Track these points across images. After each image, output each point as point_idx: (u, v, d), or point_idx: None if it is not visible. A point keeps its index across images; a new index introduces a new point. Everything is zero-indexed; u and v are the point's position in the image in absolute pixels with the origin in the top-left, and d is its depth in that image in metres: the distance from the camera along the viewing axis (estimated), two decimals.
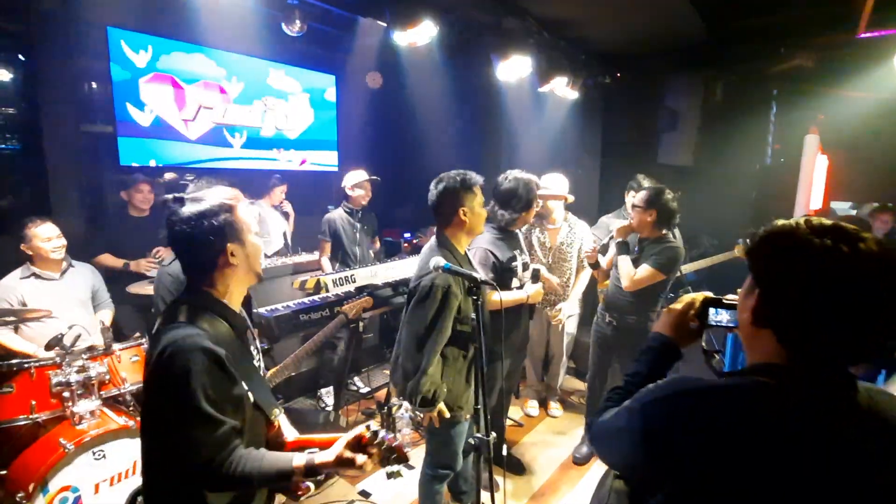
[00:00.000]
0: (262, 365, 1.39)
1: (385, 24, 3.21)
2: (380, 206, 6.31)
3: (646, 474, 0.89)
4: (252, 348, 1.36)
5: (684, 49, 4.42)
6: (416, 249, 5.06)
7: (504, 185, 2.53)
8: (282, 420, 1.46)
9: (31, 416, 2.29)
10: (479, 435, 1.74)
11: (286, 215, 4.77)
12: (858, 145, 4.33)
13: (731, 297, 1.07)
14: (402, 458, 1.22)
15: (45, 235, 2.67)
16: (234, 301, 1.29)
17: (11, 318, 2.47)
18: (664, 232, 2.80)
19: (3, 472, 2.19)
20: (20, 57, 3.88)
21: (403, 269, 3.76)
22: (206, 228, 1.19)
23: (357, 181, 3.83)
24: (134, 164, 4.22)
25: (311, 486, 1.36)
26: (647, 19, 3.85)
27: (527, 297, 2.54)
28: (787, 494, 0.75)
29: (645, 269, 2.73)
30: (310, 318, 3.01)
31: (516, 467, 3.12)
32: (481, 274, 1.80)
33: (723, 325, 1.07)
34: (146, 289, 3.01)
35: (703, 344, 1.15)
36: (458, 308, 2.01)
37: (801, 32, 3.96)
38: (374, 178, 3.94)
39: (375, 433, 1.22)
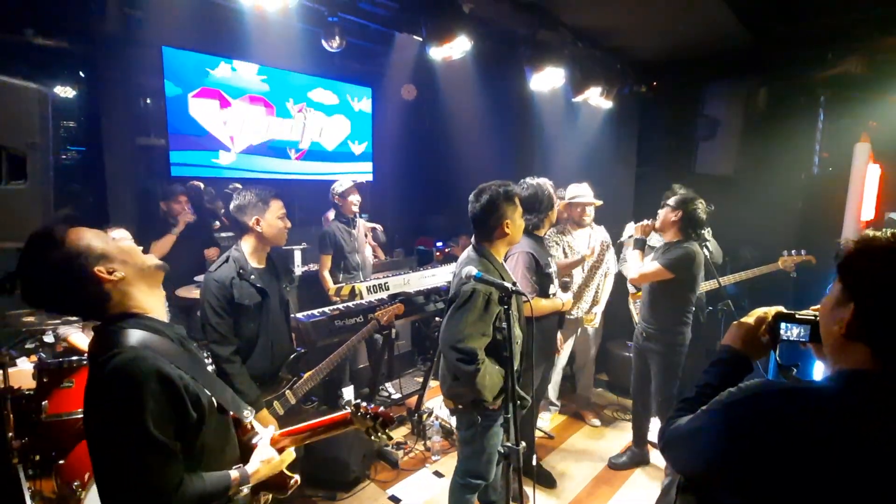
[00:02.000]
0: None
1: (420, 39, 3.30)
2: (414, 215, 6.45)
3: (726, 475, 0.88)
4: (201, 353, 1.33)
5: (725, 56, 4.32)
6: (448, 258, 5.11)
7: (525, 193, 2.66)
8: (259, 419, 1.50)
9: None
10: (508, 443, 1.75)
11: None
12: None
13: (803, 313, 1.05)
14: (388, 422, 1.31)
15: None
16: (155, 311, 1.22)
17: (67, 318, 2.64)
18: (690, 235, 2.83)
19: (62, 461, 2.34)
20: (82, 77, 4.21)
21: (436, 277, 3.81)
22: (67, 277, 1.10)
23: (344, 188, 3.83)
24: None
25: (298, 477, 1.43)
26: (685, 27, 3.79)
27: (562, 304, 2.61)
28: (874, 498, 0.74)
29: (651, 265, 2.82)
30: (344, 324, 3.09)
31: (547, 480, 3.09)
32: (510, 283, 1.81)
33: (794, 339, 1.05)
34: (192, 292, 3.17)
35: (778, 358, 1.14)
36: (499, 316, 2.02)
37: (849, 37, 3.81)
38: (361, 181, 3.95)
39: (357, 406, 1.31)
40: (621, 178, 4.94)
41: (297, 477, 1.43)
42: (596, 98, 4.21)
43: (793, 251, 3.46)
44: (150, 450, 1.05)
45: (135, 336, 1.11)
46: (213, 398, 1.20)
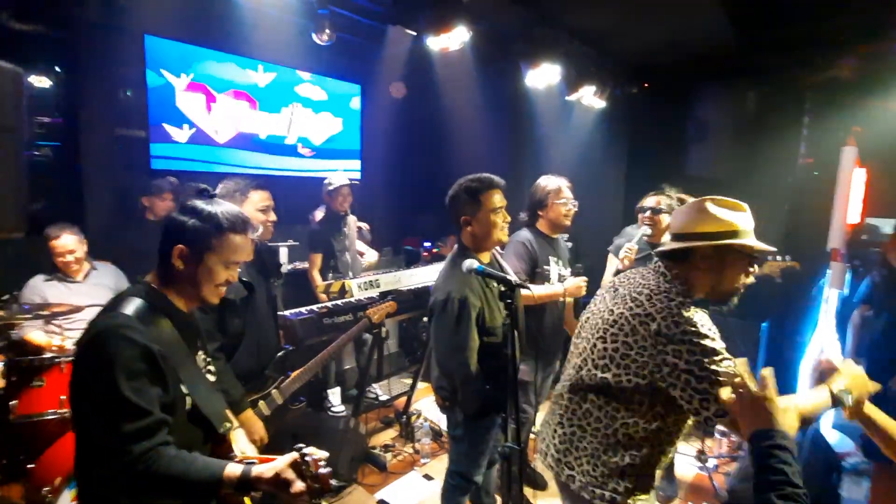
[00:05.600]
0: (213, 374, 1.34)
1: (415, 33, 3.24)
2: (403, 214, 6.36)
3: None
4: (200, 354, 1.31)
5: (715, 58, 4.36)
6: (435, 258, 5.04)
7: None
8: (238, 436, 1.43)
9: (59, 411, 2.32)
10: (509, 444, 1.69)
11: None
12: None
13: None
14: (325, 490, 1.13)
15: (61, 250, 2.73)
16: (184, 306, 1.26)
17: (38, 313, 2.49)
18: None
19: (31, 465, 2.21)
20: (59, 65, 4.02)
21: (426, 275, 3.74)
22: (200, 226, 1.20)
23: (336, 186, 3.75)
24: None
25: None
26: (677, 28, 3.81)
27: (563, 290, 2.43)
28: None
29: None
30: (333, 322, 3.00)
31: (539, 483, 3.04)
32: (513, 276, 1.74)
33: None
34: None
35: None
36: (484, 318, 1.93)
37: (837, 42, 3.87)
38: (354, 181, 3.86)
39: (305, 459, 1.12)
40: (612, 178, 4.95)
41: None
42: (589, 97, 4.21)
43: (777, 257, 3.49)
44: (118, 409, 1.04)
45: (136, 305, 1.14)
46: (188, 397, 1.17)
